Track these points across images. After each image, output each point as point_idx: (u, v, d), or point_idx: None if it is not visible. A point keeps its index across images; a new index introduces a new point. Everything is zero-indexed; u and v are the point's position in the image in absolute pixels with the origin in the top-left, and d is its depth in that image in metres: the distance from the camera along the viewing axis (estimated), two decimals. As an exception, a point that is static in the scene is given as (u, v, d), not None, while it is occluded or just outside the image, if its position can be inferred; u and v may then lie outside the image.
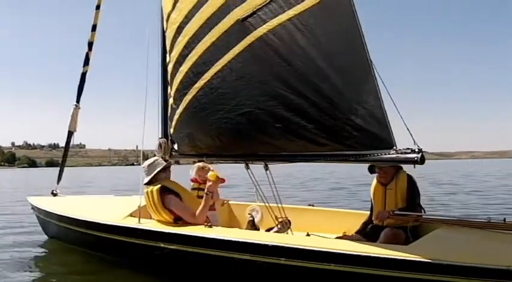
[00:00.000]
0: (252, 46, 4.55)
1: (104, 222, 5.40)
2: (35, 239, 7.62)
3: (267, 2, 4.43)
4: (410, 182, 4.84)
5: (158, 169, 5.01)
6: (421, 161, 3.84)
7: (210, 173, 4.93)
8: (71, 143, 7.91)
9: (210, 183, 4.88)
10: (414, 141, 3.91)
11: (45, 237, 7.47)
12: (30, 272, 5.63)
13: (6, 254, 6.57)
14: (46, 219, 6.98)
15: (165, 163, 5.11)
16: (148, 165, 5.09)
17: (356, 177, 24.63)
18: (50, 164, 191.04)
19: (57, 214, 6.42)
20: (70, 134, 7.86)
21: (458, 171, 42.76)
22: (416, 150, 3.88)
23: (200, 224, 4.72)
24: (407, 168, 4.76)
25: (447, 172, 38.75)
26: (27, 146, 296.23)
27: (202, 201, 4.87)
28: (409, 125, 3.95)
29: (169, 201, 4.87)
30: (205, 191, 4.88)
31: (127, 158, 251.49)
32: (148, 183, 5.05)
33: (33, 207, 7.47)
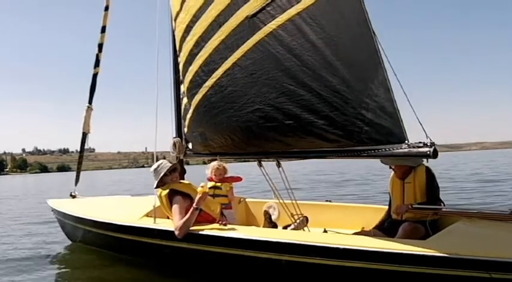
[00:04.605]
0: (261, 42, 4.52)
1: (118, 223, 5.43)
2: (56, 241, 7.79)
3: (275, -4, 4.39)
4: (429, 174, 4.75)
5: (162, 173, 4.98)
6: (434, 154, 3.79)
7: (199, 188, 4.71)
8: (86, 144, 7.93)
9: (198, 196, 4.66)
10: (426, 135, 3.86)
11: (66, 239, 7.53)
12: (50, 272, 5.73)
13: (28, 253, 6.78)
14: (66, 221, 7.04)
15: (169, 166, 5.04)
16: (154, 169, 5.07)
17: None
18: (61, 168, 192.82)
19: (75, 216, 6.46)
20: (84, 135, 7.91)
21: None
22: (429, 143, 3.82)
23: (179, 235, 4.58)
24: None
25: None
26: (38, 152, 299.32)
27: (188, 214, 4.63)
28: (409, 117, 3.93)
29: (174, 203, 4.83)
30: (194, 205, 4.65)
31: (137, 161, 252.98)
32: (157, 187, 5.05)
33: (53, 210, 7.54)
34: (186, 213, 4.66)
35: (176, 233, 4.61)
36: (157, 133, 5.51)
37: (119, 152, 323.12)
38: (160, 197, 4.98)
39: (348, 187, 18.30)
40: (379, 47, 4.04)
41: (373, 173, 25.53)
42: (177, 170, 5.21)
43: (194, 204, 4.64)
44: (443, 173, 22.24)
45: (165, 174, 4.99)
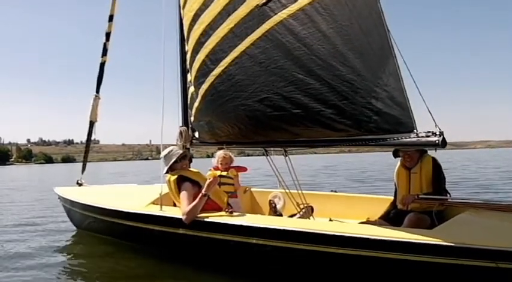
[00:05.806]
0: (270, 31, 4.51)
1: (125, 210, 5.45)
2: (62, 228, 7.84)
3: (287, -14, 4.37)
4: (436, 165, 4.74)
5: (173, 159, 5.02)
6: (443, 144, 3.79)
7: (208, 173, 4.73)
8: (93, 133, 7.97)
9: (208, 181, 4.70)
10: (435, 124, 3.86)
11: (72, 226, 7.61)
12: (55, 258, 5.76)
13: (35, 243, 6.76)
14: (72, 208, 7.09)
15: (180, 152, 5.09)
16: (165, 155, 5.11)
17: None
18: (66, 159, 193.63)
19: (82, 203, 6.51)
20: (91, 124, 7.96)
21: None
22: (438, 133, 3.82)
23: (186, 220, 4.62)
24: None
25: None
26: (43, 143, 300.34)
27: (196, 200, 4.66)
28: (418, 110, 3.94)
29: (182, 189, 4.86)
30: (203, 191, 4.69)
31: (141, 153, 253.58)
32: (167, 173, 5.07)
33: (60, 198, 7.60)
34: (194, 200, 4.68)
35: (183, 218, 4.63)
36: (163, 125, 5.54)
37: (123, 144, 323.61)
38: (169, 182, 4.99)
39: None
40: (391, 37, 4.05)
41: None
42: (187, 157, 5.25)
43: (203, 190, 4.67)
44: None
45: (175, 161, 5.02)
